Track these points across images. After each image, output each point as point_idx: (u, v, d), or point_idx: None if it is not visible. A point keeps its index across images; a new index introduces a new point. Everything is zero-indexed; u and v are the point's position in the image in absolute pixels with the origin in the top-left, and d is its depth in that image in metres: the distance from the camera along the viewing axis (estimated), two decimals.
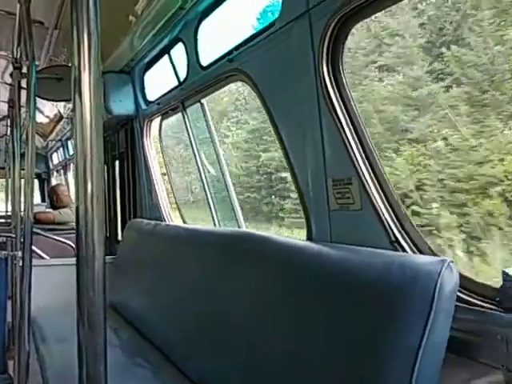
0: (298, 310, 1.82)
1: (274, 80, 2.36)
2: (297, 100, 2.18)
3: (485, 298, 1.59)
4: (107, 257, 3.99)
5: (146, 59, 3.94)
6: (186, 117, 3.64)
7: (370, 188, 1.88)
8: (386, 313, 1.47)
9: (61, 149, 9.18)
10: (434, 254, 1.75)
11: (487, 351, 1.54)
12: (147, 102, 4.20)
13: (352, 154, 1.92)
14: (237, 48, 2.64)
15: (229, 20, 2.90)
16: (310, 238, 2.21)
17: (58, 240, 4.76)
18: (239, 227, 3.27)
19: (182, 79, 3.45)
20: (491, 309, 1.56)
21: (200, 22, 3.06)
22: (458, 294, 1.52)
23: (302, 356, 1.71)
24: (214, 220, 3.55)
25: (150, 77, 4.13)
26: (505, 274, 1.52)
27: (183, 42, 3.30)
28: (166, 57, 3.67)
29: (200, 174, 3.64)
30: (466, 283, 1.62)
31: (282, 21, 2.22)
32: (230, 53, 2.71)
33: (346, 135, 1.94)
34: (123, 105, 4.26)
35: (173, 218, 4.17)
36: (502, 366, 1.49)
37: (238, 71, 2.65)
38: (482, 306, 1.58)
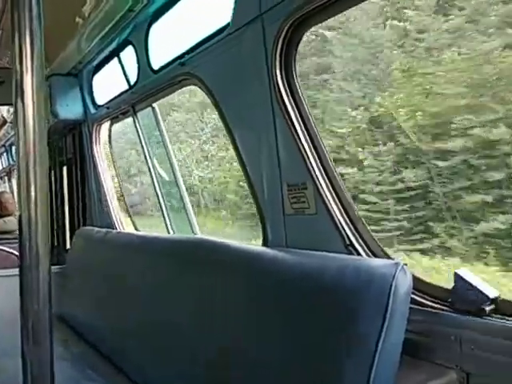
0: (255, 317, 1.81)
1: (228, 84, 2.36)
2: (251, 104, 2.18)
3: (437, 299, 1.64)
4: (55, 266, 3.88)
5: (95, 62, 3.86)
6: (136, 121, 3.59)
7: (325, 192, 1.90)
8: (342, 317, 1.49)
9: (4, 154, 8.86)
10: (388, 257, 1.79)
11: (441, 352, 1.58)
12: (96, 106, 4.11)
13: (306, 159, 1.94)
14: (188, 52, 2.62)
15: (180, 23, 2.87)
16: (265, 243, 2.21)
17: (2, 249, 4.59)
18: (194, 233, 3.24)
19: (132, 83, 3.39)
20: (444, 310, 1.60)
21: (150, 24, 3.02)
22: (412, 296, 1.55)
23: (260, 363, 1.71)
24: (167, 227, 3.50)
25: (98, 80, 4.04)
26: (456, 275, 1.57)
27: (133, 45, 3.25)
28: (115, 60, 3.61)
29: (152, 178, 3.59)
30: (419, 285, 1.65)
31: (234, 24, 2.22)
32: (181, 56, 2.69)
33: (300, 140, 1.96)
34: (70, 109, 4.16)
35: (125, 226, 4.09)
36: (456, 366, 1.53)
37: (190, 75, 2.63)
38: (435, 308, 1.63)
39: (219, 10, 2.35)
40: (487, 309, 1.50)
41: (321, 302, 1.57)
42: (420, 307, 1.64)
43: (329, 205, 1.89)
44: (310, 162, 1.94)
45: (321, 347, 1.52)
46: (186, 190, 3.47)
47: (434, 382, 1.59)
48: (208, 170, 8.75)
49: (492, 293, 1.52)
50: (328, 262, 1.66)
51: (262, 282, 1.84)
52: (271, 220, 2.17)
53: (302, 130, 1.97)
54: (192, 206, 3.45)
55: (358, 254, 1.82)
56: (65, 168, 4.81)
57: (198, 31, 2.56)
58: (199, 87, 2.59)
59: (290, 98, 1.98)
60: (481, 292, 1.52)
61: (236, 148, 2.31)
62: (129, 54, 3.37)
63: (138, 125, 3.59)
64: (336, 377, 1.46)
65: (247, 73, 2.17)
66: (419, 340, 1.62)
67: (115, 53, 3.56)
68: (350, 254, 1.83)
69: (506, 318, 1.48)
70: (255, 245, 2.28)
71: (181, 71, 2.71)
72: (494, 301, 1.51)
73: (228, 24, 2.27)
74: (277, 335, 1.68)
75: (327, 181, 1.92)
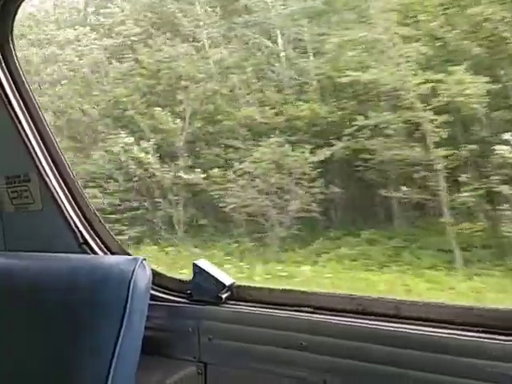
0: None
1: None
2: None
3: (177, 292, 1.70)
4: None
5: None
6: None
7: (53, 185, 1.79)
8: (79, 319, 1.47)
9: None
10: (127, 253, 1.79)
11: (180, 346, 1.64)
12: None
13: (30, 147, 1.79)
14: None
15: None
16: None
17: None
18: None
19: None
20: (183, 302, 1.68)
21: None
22: (152, 292, 1.59)
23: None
24: None
25: None
26: (195, 266, 1.65)
27: None
28: None
29: None
30: (158, 280, 1.69)
31: None
32: None
33: (21, 124, 1.80)
34: None
35: None
36: (194, 358, 1.62)
37: None
38: (175, 301, 1.69)
39: None
40: (223, 296, 1.62)
41: (56, 307, 1.51)
42: (160, 302, 1.68)
43: (58, 199, 1.78)
44: (34, 150, 1.79)
45: (60, 351, 1.48)
46: None
47: (173, 378, 1.66)
48: None
49: (228, 280, 1.65)
50: (60, 264, 1.60)
51: None
52: None
53: (23, 113, 1.81)
54: None
55: (94, 252, 1.78)
56: None
57: None
58: None
59: (9, 76, 1.80)
60: (217, 280, 1.63)
61: None
62: None
63: None
64: (76, 378, 1.44)
65: None
66: (159, 336, 1.66)
67: None
68: (85, 253, 1.77)
69: (240, 303, 1.62)
70: None
71: None
72: (229, 288, 1.65)
73: None
74: (17, 351, 1.55)
75: (56, 171, 1.81)
